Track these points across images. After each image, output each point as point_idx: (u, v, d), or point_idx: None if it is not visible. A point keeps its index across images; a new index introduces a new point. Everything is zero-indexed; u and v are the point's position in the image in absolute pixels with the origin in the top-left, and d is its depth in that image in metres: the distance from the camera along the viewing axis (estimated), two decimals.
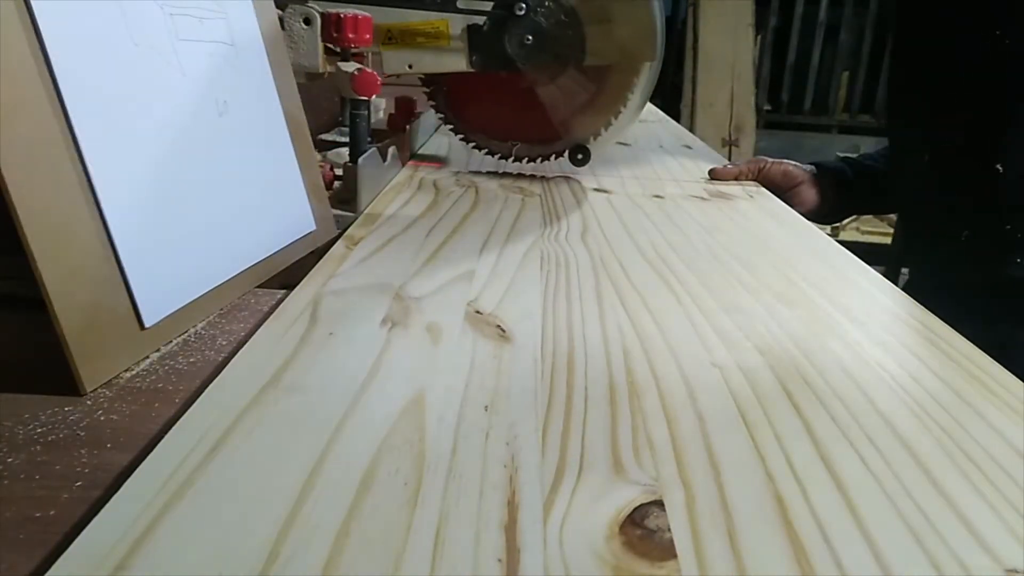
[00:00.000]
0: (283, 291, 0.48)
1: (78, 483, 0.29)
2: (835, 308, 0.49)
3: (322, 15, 0.68)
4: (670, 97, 3.32)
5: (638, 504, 0.27)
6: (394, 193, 0.72)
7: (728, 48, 2.93)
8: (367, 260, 0.52)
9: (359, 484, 0.27)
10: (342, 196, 0.70)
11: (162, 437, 0.30)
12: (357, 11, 0.70)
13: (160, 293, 0.40)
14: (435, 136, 1.07)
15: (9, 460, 0.30)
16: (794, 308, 0.48)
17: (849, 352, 0.42)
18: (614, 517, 0.26)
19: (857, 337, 0.44)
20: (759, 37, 3.01)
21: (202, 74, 0.46)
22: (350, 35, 0.68)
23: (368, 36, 0.70)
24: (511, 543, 0.25)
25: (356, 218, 0.64)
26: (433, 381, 0.35)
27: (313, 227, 0.56)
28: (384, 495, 0.27)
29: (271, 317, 0.41)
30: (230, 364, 0.36)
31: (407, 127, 0.92)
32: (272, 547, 0.24)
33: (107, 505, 0.25)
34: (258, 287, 0.49)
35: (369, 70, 0.67)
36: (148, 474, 0.27)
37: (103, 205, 0.37)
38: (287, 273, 0.51)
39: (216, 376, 0.35)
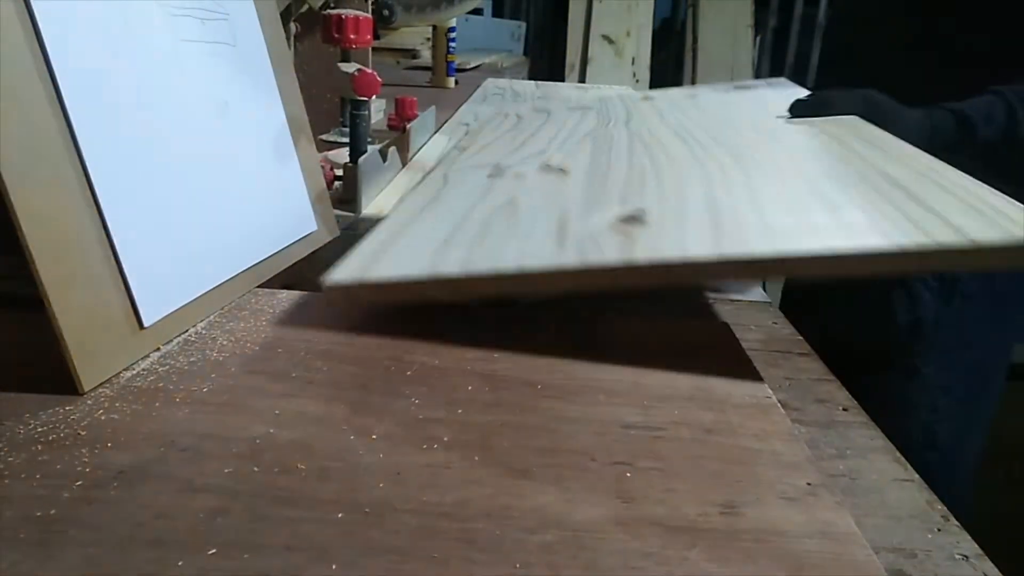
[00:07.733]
0: (283, 291, 0.48)
1: (79, 482, 0.29)
2: None
3: (323, 15, 0.68)
4: None
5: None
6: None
7: (728, 48, 2.93)
8: (477, 154, 0.71)
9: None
10: (342, 196, 0.70)
11: (161, 436, 0.30)
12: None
13: (160, 293, 0.40)
14: (435, 136, 1.07)
15: (9, 459, 0.30)
16: None
17: None
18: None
19: None
20: (758, 37, 3.01)
21: (203, 74, 0.46)
22: (351, 35, 0.68)
23: (369, 36, 0.70)
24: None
25: (356, 218, 0.64)
26: (519, 197, 0.54)
27: (314, 227, 0.56)
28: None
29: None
30: None
31: (407, 127, 0.92)
32: None
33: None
34: (258, 287, 0.48)
35: (369, 70, 0.67)
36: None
37: (103, 205, 0.37)
38: (288, 273, 0.51)
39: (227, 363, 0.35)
